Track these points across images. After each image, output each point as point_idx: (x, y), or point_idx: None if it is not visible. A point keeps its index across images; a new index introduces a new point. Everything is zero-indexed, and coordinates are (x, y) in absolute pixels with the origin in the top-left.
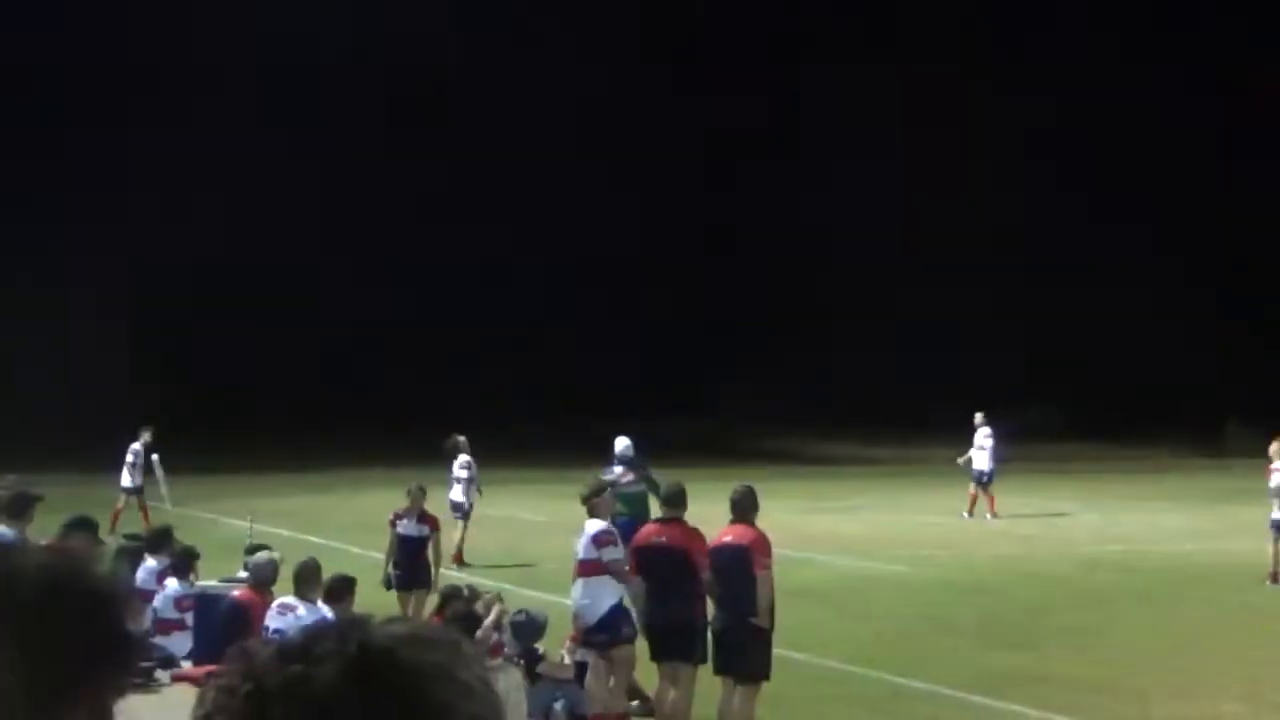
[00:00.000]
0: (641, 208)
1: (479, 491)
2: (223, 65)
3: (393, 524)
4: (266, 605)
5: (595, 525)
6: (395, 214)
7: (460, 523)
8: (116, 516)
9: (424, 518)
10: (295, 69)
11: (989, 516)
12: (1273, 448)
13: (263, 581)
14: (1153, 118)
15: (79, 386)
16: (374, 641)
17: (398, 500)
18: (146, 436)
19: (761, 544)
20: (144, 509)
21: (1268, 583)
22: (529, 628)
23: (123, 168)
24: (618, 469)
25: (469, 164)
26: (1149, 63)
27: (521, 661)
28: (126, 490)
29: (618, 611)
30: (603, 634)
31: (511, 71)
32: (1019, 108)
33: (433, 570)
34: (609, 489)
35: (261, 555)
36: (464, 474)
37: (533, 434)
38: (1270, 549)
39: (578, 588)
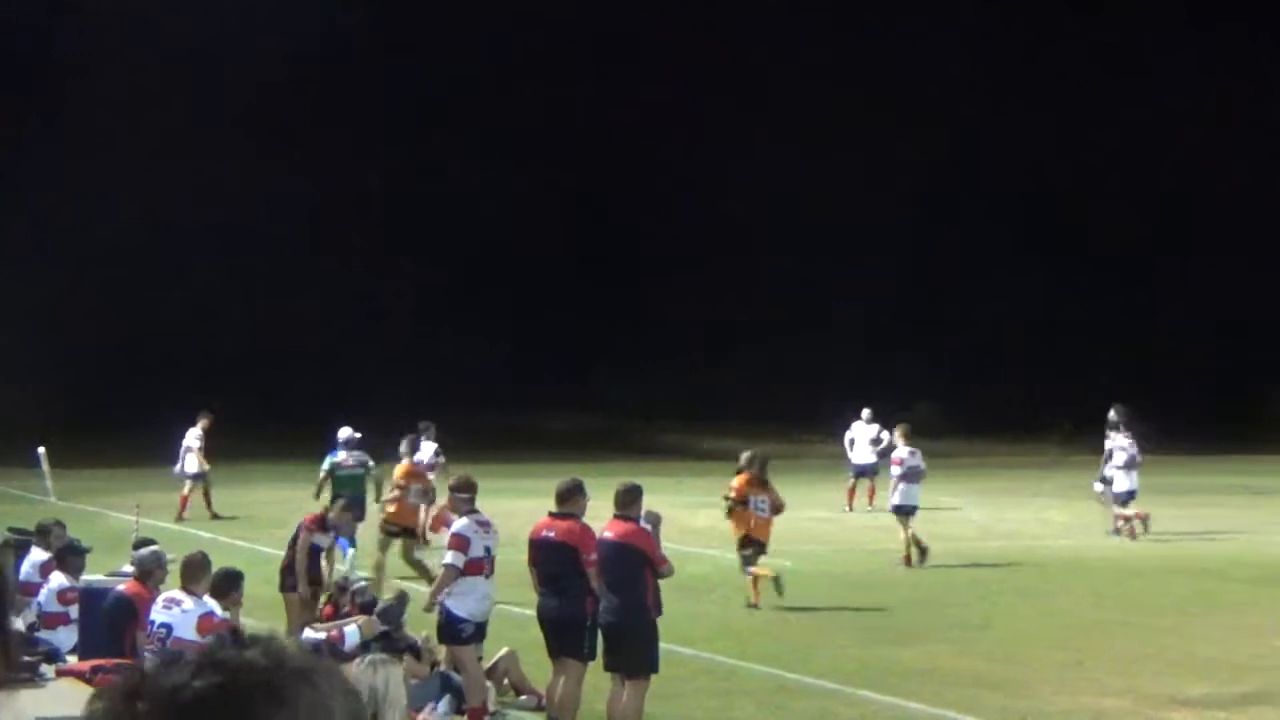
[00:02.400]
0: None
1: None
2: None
3: (311, 531)
4: (152, 598)
5: (454, 525)
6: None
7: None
8: (184, 503)
9: (327, 527)
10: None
11: (847, 508)
12: None
13: (147, 574)
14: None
15: None
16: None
17: (284, 495)
18: (205, 423)
19: (641, 538)
20: (206, 495)
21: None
22: (393, 612)
23: None
24: (341, 453)
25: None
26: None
27: (404, 656)
28: (190, 477)
29: (447, 615)
30: (443, 632)
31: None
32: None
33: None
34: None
35: (146, 549)
36: (440, 460)
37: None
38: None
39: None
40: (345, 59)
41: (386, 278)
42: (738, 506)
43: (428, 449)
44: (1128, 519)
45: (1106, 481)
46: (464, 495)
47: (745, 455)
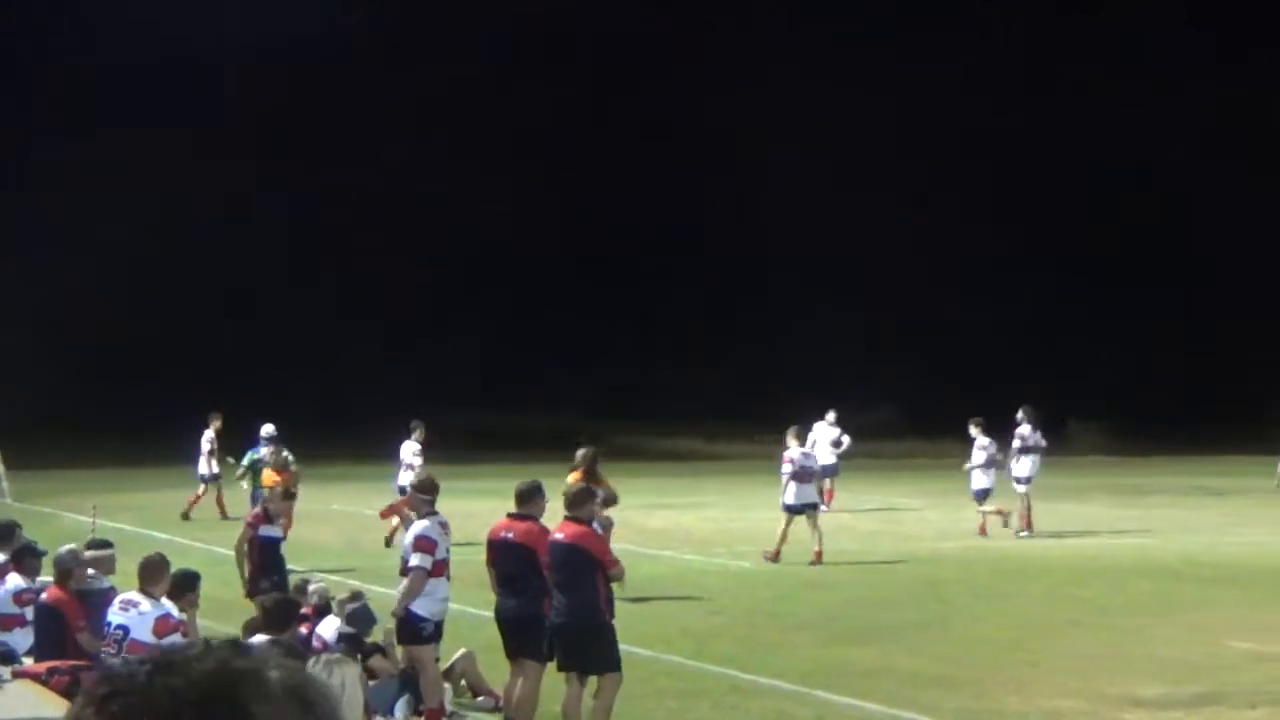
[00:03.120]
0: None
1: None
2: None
3: (255, 526)
4: (72, 598)
5: (418, 526)
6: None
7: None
8: (194, 502)
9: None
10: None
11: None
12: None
13: (66, 574)
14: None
15: None
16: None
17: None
18: (217, 424)
19: (591, 540)
20: (219, 496)
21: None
22: (364, 616)
23: None
24: (263, 450)
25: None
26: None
27: (359, 655)
28: (203, 479)
29: (407, 614)
30: (403, 632)
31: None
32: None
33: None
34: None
35: (63, 548)
36: (417, 460)
37: (378, 429)
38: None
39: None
40: (346, 60)
41: (371, 280)
42: None
43: (410, 449)
44: (986, 515)
45: (1019, 481)
46: (425, 497)
47: (580, 452)
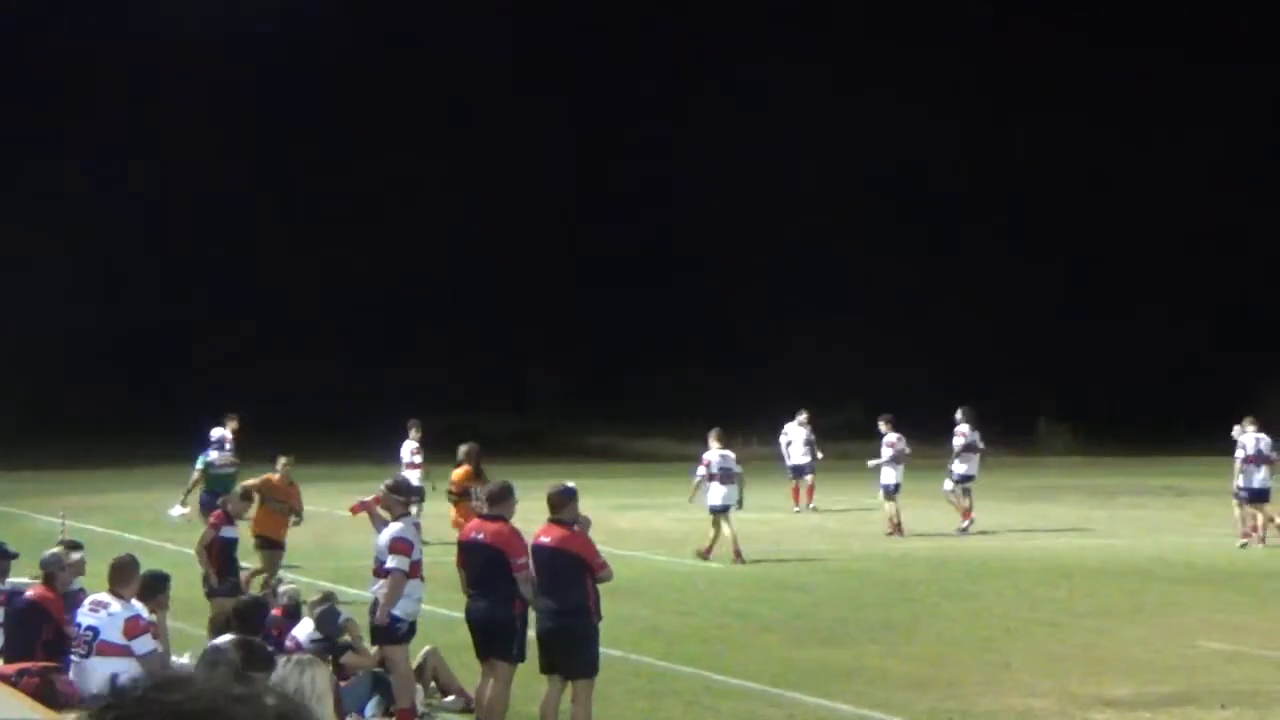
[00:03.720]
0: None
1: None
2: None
3: (218, 527)
4: (59, 599)
5: (393, 529)
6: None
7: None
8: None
9: (231, 519)
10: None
11: (796, 508)
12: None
13: (52, 577)
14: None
15: None
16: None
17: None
18: (233, 425)
19: (579, 543)
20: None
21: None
22: (330, 618)
23: None
24: (213, 453)
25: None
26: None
27: (330, 655)
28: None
29: (392, 616)
30: (378, 632)
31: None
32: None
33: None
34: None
35: (47, 552)
36: (417, 459)
37: (357, 433)
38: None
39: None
40: (346, 59)
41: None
42: (460, 499)
43: (409, 448)
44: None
45: (961, 479)
46: (399, 498)
47: (463, 449)
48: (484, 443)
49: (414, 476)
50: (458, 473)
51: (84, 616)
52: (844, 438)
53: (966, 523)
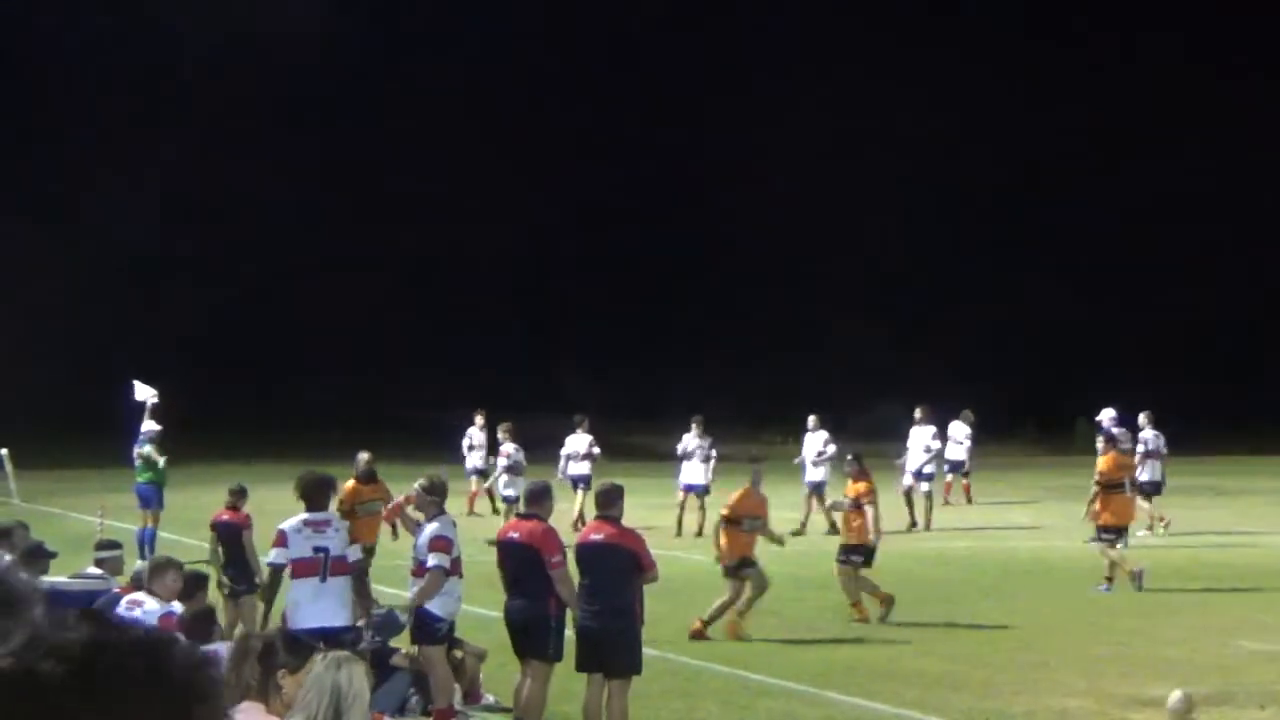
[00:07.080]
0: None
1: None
2: None
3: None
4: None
5: (432, 527)
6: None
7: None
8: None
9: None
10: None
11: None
12: None
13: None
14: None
15: None
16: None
17: (279, 495)
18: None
19: (632, 540)
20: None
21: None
22: (391, 624)
23: None
24: (148, 447)
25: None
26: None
27: (369, 654)
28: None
29: (422, 614)
30: (417, 632)
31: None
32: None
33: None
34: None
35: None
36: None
37: (395, 429)
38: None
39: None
40: (348, 61)
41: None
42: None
43: (474, 436)
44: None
45: (918, 476)
46: (434, 498)
47: (362, 456)
48: (525, 444)
49: (475, 459)
50: (349, 485)
51: (120, 615)
52: (879, 439)
53: (922, 523)
